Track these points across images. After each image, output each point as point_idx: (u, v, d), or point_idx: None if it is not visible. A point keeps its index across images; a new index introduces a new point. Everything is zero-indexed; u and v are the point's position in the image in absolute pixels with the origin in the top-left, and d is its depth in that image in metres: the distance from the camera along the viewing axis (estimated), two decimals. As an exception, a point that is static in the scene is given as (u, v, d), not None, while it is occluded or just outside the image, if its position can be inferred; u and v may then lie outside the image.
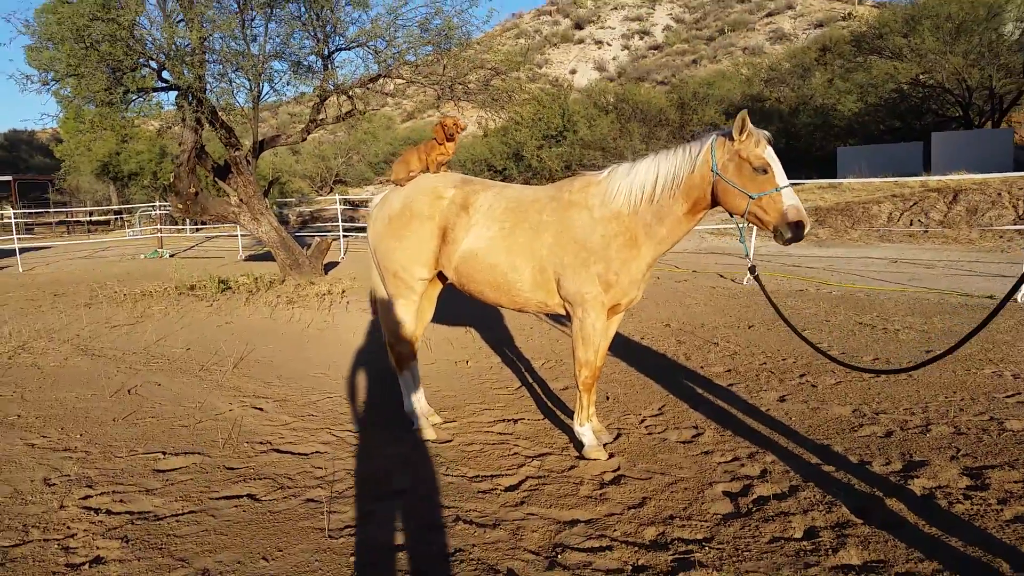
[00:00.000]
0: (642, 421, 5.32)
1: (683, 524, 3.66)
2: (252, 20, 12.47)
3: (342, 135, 43.82)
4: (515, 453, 4.75)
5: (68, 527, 3.78)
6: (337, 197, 23.21)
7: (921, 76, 28.67)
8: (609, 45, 76.73)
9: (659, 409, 5.59)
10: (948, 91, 27.90)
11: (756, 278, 4.55)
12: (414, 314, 5.13)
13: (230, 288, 12.65)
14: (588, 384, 4.62)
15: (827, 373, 6.40)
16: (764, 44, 62.25)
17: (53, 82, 11.88)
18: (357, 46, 13.21)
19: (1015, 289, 3.36)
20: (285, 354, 7.87)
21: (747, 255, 4.80)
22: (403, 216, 4.93)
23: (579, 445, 4.71)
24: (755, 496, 3.96)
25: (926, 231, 17.89)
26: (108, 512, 3.96)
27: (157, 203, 27.90)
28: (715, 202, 4.25)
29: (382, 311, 5.46)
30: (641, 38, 76.29)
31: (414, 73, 13.47)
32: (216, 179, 13.87)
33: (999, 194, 18.14)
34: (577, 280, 4.42)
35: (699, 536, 3.53)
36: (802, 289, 11.20)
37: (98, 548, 3.55)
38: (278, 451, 4.89)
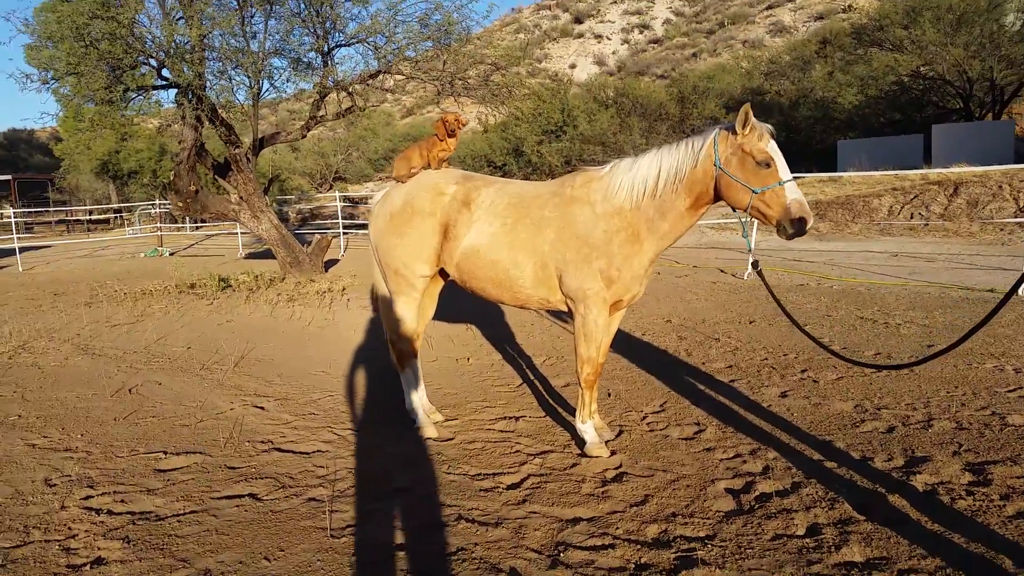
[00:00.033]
0: (644, 418, 5.32)
1: (685, 522, 3.65)
2: (252, 17, 12.44)
3: (341, 132, 43.73)
4: (517, 451, 4.75)
5: (69, 528, 3.78)
6: (337, 194, 23.19)
7: (922, 68, 28.61)
8: (609, 39, 76.59)
9: (661, 406, 5.58)
10: (949, 83, 27.84)
11: (759, 273, 4.53)
12: (416, 311, 5.12)
13: (230, 286, 12.65)
14: (590, 381, 4.61)
15: (828, 368, 6.38)
16: (764, 37, 62.11)
17: (53, 81, 11.86)
18: (357, 42, 13.17)
19: (1017, 286, 3.35)
20: (286, 352, 7.87)
21: (750, 250, 4.78)
22: (405, 213, 4.91)
23: (581, 442, 4.70)
24: (757, 493, 3.95)
25: (927, 224, 17.87)
26: (109, 512, 3.96)
27: (157, 201, 27.88)
28: (718, 197, 4.22)
29: (383, 308, 5.45)
30: (641, 32, 76.15)
31: (414, 69, 13.43)
32: (216, 177, 13.86)
33: (1000, 186, 18.11)
34: (579, 276, 4.41)
35: (701, 534, 3.53)
36: (803, 284, 11.19)
37: (99, 549, 3.55)
38: (279, 450, 4.89)
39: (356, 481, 4.32)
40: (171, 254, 21.65)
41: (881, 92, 30.60)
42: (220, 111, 12.69)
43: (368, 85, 13.78)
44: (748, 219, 4.27)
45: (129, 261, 20.00)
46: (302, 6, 12.47)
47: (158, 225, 25.30)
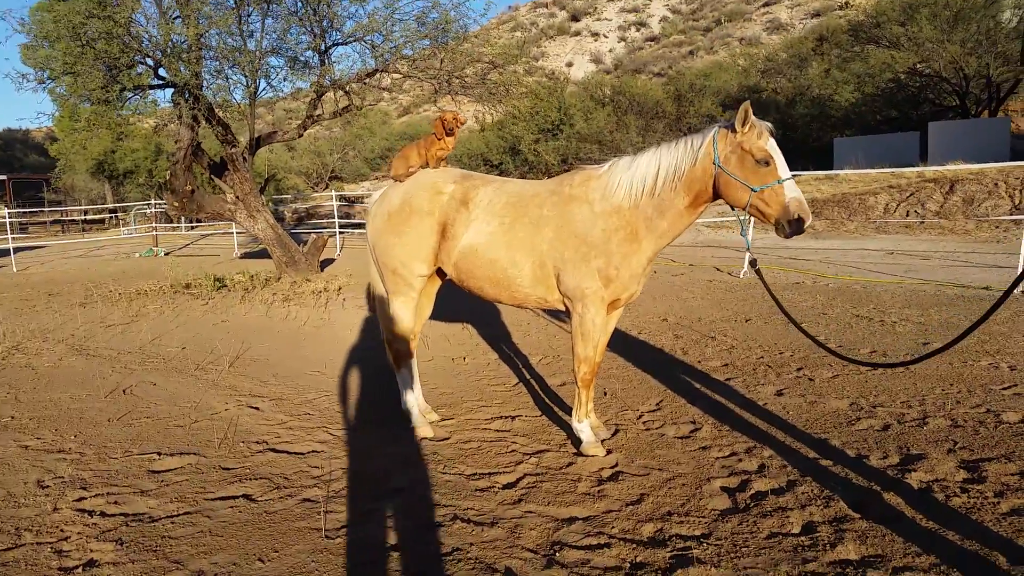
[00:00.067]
0: (640, 417, 5.31)
1: (681, 520, 3.64)
2: (249, 16, 12.41)
3: (338, 131, 43.66)
4: (513, 450, 4.74)
5: (61, 530, 3.76)
6: (333, 193, 23.16)
7: (918, 65, 28.65)
8: (605, 37, 76.63)
9: (657, 404, 5.58)
10: (945, 80, 27.88)
11: (757, 272, 4.52)
12: (413, 311, 5.11)
13: (226, 286, 12.62)
14: (587, 380, 4.60)
15: (824, 366, 6.38)
16: (761, 34, 62.18)
17: (49, 80, 11.83)
18: (354, 41, 13.14)
19: (1015, 286, 3.34)
20: (281, 352, 7.85)
21: (748, 248, 4.78)
22: (402, 212, 4.90)
23: (577, 442, 4.69)
24: (753, 491, 3.95)
25: (922, 222, 17.89)
26: (102, 514, 3.94)
27: (152, 201, 27.83)
28: (716, 195, 4.22)
29: (380, 308, 5.44)
30: (637, 30, 76.20)
31: (411, 67, 13.41)
32: (212, 176, 13.83)
33: (995, 184, 18.14)
34: (577, 275, 4.40)
35: (697, 532, 3.52)
36: (799, 282, 11.19)
37: (92, 551, 3.53)
38: (274, 450, 4.87)
39: (351, 481, 4.31)
40: (166, 254, 21.61)
41: (878, 89, 30.63)
42: (217, 110, 12.66)
43: (365, 84, 13.75)
44: (747, 217, 4.26)
45: (124, 261, 19.96)
46: (299, 5, 12.45)
47: (153, 225, 25.27)
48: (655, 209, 4.32)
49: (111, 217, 37.60)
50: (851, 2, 56.52)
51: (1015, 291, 8.73)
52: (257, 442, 5.04)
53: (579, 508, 3.83)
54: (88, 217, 37.63)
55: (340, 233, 21.17)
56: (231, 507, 4.00)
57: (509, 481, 4.24)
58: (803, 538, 3.40)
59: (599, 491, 4.04)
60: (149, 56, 11.61)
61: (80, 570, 3.35)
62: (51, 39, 11.03)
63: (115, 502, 4.09)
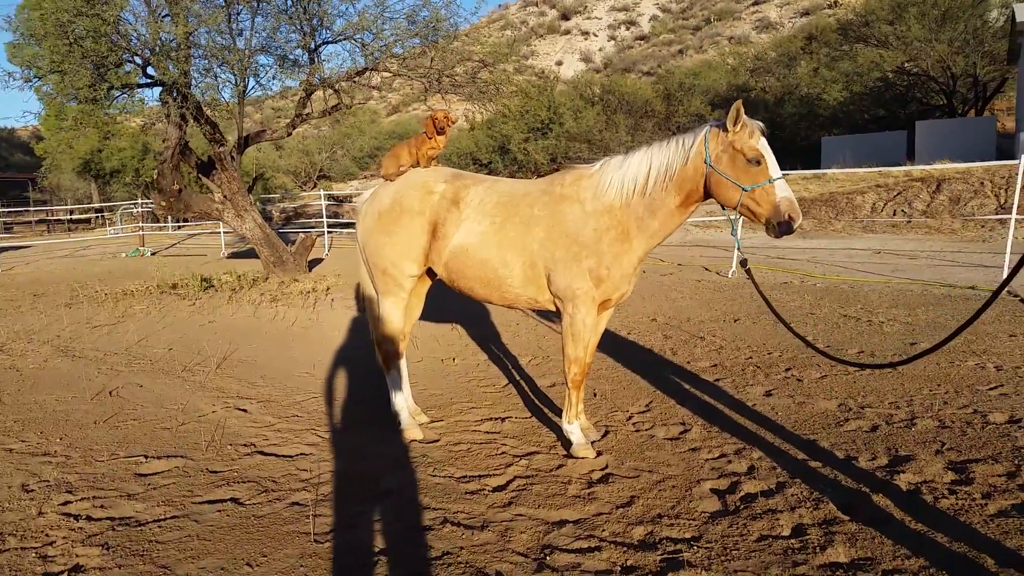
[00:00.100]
0: (629, 418, 5.31)
1: (671, 523, 3.64)
2: (238, 14, 12.36)
3: (326, 130, 43.58)
4: (503, 452, 4.73)
5: (47, 534, 3.72)
6: (321, 193, 23.09)
7: (906, 64, 28.80)
8: (595, 36, 76.71)
9: (646, 405, 5.58)
10: (933, 79, 28.04)
11: (747, 271, 4.52)
12: (403, 311, 5.09)
13: (213, 286, 12.56)
14: (577, 381, 4.59)
15: (812, 367, 6.40)
16: (750, 33, 62.38)
17: (35, 79, 11.74)
18: (344, 39, 13.11)
19: (1003, 287, 3.35)
20: (269, 353, 7.81)
21: (738, 248, 4.78)
22: (393, 211, 4.87)
23: (567, 443, 4.68)
24: (743, 493, 3.95)
25: (909, 221, 17.98)
26: (88, 518, 3.90)
27: (139, 201, 27.66)
28: (707, 195, 4.21)
29: (370, 308, 5.42)
30: (627, 28, 76.33)
31: (401, 66, 13.37)
32: (200, 176, 13.75)
33: (981, 183, 18.25)
34: (568, 275, 4.39)
35: (687, 535, 3.52)
36: (786, 281, 11.23)
37: (77, 556, 3.49)
38: (262, 453, 4.84)
39: (340, 484, 4.29)
40: (153, 254, 21.49)
41: (866, 88, 30.78)
42: (205, 109, 12.59)
43: (355, 82, 13.71)
44: (737, 217, 4.26)
45: (110, 261, 19.84)
46: (289, 3, 12.41)
47: (140, 225, 25.12)
48: (646, 208, 4.32)
49: (97, 217, 37.38)
50: (840, 1, 56.77)
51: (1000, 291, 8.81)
52: (245, 445, 5.01)
53: (569, 511, 3.82)
54: (74, 217, 37.40)
55: (328, 233, 21.10)
56: (219, 511, 3.96)
57: (499, 484, 4.22)
58: (793, 540, 3.40)
59: (589, 493, 4.03)
60: (137, 54, 11.54)
61: (66, 575, 3.32)
62: (38, 37, 10.94)
63: (101, 506, 4.05)
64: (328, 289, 12.06)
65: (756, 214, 4.06)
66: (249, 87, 13.20)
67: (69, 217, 37.55)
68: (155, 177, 12.81)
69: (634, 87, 34.73)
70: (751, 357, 6.87)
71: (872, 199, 19.64)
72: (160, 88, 12.16)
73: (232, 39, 12.26)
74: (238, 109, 13.29)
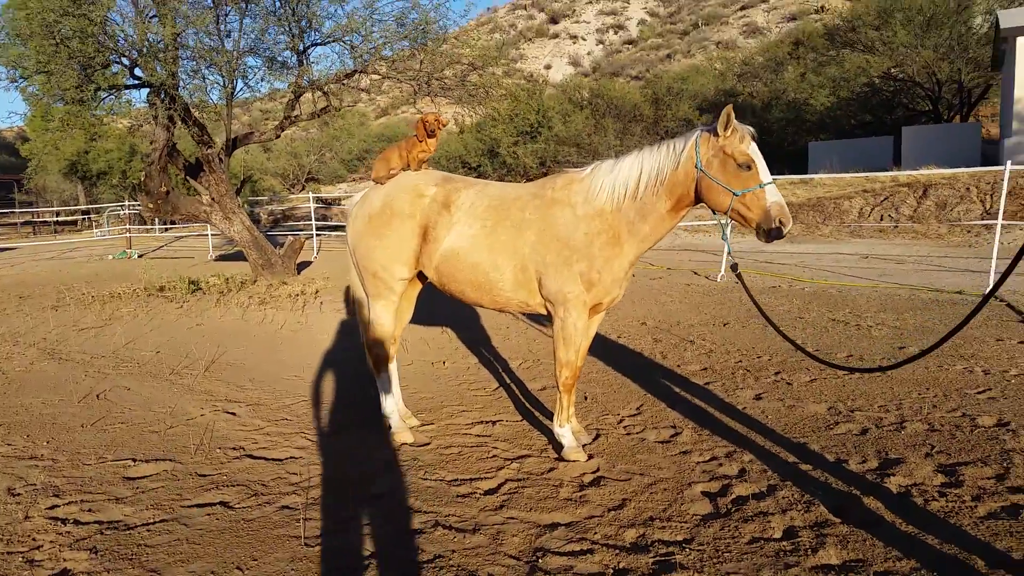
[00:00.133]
0: (620, 421, 5.31)
1: (663, 526, 3.64)
2: (226, 15, 12.33)
3: (315, 132, 43.48)
4: (494, 456, 4.71)
5: (33, 538, 3.68)
6: (310, 195, 22.99)
7: (892, 70, 29.00)
8: (584, 40, 76.92)
9: (637, 409, 5.58)
10: (918, 84, 28.25)
11: (738, 276, 4.53)
12: (393, 315, 5.07)
13: (200, 289, 12.49)
14: (569, 385, 4.59)
15: (802, 371, 6.42)
16: (737, 38, 62.69)
17: (21, 79, 11.65)
18: (333, 41, 13.10)
19: (992, 292, 3.37)
20: (258, 356, 7.77)
21: (729, 253, 4.79)
22: (384, 215, 4.86)
23: (558, 447, 4.67)
24: (734, 496, 3.95)
25: (896, 226, 18.10)
26: (76, 522, 3.87)
27: (126, 203, 27.48)
28: (698, 199, 4.22)
29: (360, 311, 5.40)
30: (615, 32, 76.58)
31: (390, 68, 13.37)
32: (187, 178, 13.68)
33: (967, 188, 18.38)
34: (559, 279, 4.38)
35: (679, 537, 3.52)
36: (775, 286, 11.27)
37: (65, 560, 3.46)
38: (251, 457, 4.81)
39: (330, 488, 4.27)
40: (140, 256, 21.36)
41: (852, 94, 30.98)
42: (193, 111, 12.54)
43: (344, 85, 13.69)
44: (727, 221, 4.27)
45: (97, 263, 19.70)
46: (277, 5, 12.38)
47: (127, 227, 24.95)
48: (637, 213, 4.32)
49: (84, 219, 37.11)
50: (827, 6, 57.16)
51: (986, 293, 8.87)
52: (234, 448, 4.98)
53: (561, 514, 3.82)
54: (60, 219, 37.13)
55: (317, 235, 21.02)
56: (208, 514, 3.94)
57: (491, 487, 4.21)
58: (785, 543, 3.40)
59: (581, 496, 4.02)
60: (125, 55, 11.48)
61: (53, 581, 3.29)
62: (23, 37, 10.86)
63: (89, 509, 4.02)
64: (317, 292, 12.01)
65: (747, 219, 4.07)
66: (237, 89, 13.17)
67: (55, 219, 37.29)
68: (142, 179, 12.75)
69: (622, 91, 34.82)
70: (741, 361, 6.88)
71: (859, 204, 19.75)
72: (148, 89, 12.10)
73: (220, 40, 12.24)
74: (226, 111, 13.25)
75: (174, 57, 11.50)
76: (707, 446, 4.73)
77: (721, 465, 4.39)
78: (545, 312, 4.61)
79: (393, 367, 5.28)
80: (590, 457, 4.58)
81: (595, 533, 3.59)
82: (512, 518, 3.79)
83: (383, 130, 52.56)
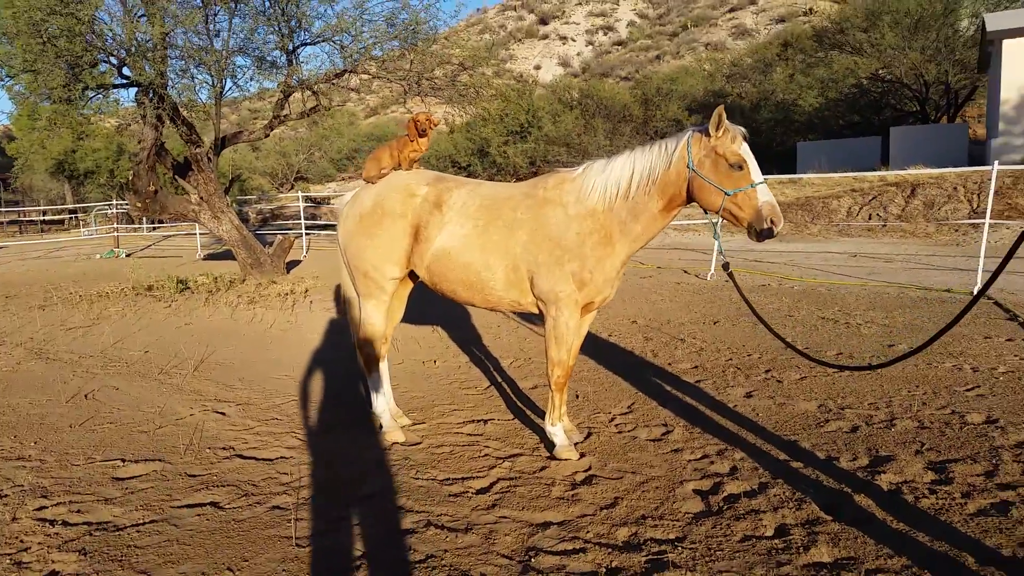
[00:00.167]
0: (612, 419, 5.31)
1: (655, 524, 3.64)
2: (215, 15, 12.26)
3: (303, 131, 43.34)
4: (486, 455, 4.71)
5: (21, 540, 3.65)
6: (299, 194, 22.90)
7: (880, 71, 29.18)
8: (573, 41, 76.98)
9: (628, 407, 5.58)
10: (906, 86, 28.43)
11: (730, 275, 4.54)
12: (384, 314, 5.06)
13: (189, 288, 12.42)
14: (560, 384, 4.59)
15: (792, 368, 6.44)
16: (726, 40, 62.88)
17: (7, 78, 11.56)
18: (322, 41, 13.06)
19: (983, 292, 3.39)
20: (247, 356, 7.73)
21: (720, 252, 4.80)
22: (375, 214, 4.84)
23: (550, 445, 4.67)
24: (725, 494, 3.96)
25: (884, 225, 18.19)
26: (64, 523, 3.83)
27: (114, 202, 27.31)
28: (690, 199, 4.23)
29: (351, 311, 5.38)
30: (605, 34, 76.68)
31: (380, 68, 13.33)
32: (176, 177, 13.61)
33: (955, 188, 18.49)
34: (551, 278, 4.38)
35: (672, 536, 3.52)
36: (765, 284, 11.30)
37: (54, 562, 3.43)
38: (241, 457, 4.79)
39: (321, 488, 4.24)
40: (128, 255, 21.22)
41: (841, 95, 31.16)
42: (182, 110, 12.47)
43: (333, 84, 13.65)
44: (720, 222, 4.29)
45: (85, 263, 19.56)
46: (267, 4, 12.33)
47: (115, 226, 24.79)
48: (629, 212, 4.32)
49: (71, 218, 36.85)
50: (815, 8, 57.41)
51: (973, 293, 8.91)
52: (224, 448, 4.95)
53: (553, 513, 3.81)
54: (47, 218, 36.87)
55: (306, 234, 20.95)
56: (198, 515, 3.91)
57: (483, 486, 4.20)
58: (777, 541, 3.41)
59: (573, 495, 4.02)
60: (113, 55, 11.41)
61: (41, 582, 3.26)
62: (10, 35, 10.78)
63: (78, 511, 3.98)
64: (306, 291, 11.97)
65: (738, 218, 4.08)
66: (226, 88, 13.11)
67: (42, 218, 37.03)
68: (131, 178, 12.68)
69: (612, 92, 34.86)
70: (731, 359, 6.90)
71: (848, 203, 19.84)
72: (136, 89, 12.02)
73: (209, 40, 12.19)
74: (215, 110, 13.19)
75: (163, 56, 11.44)
76: (698, 444, 4.73)
77: (712, 463, 4.40)
78: (537, 311, 4.61)
79: (384, 366, 5.27)
80: (582, 455, 4.58)
81: (587, 532, 3.59)
82: (504, 517, 3.78)
83: (372, 129, 52.45)
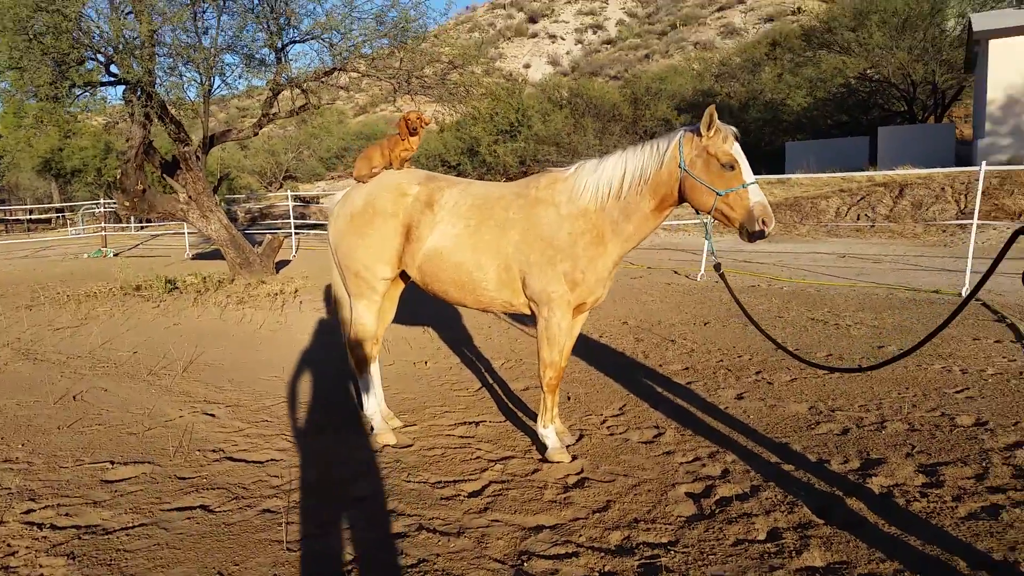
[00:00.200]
0: (603, 422, 5.31)
1: (648, 527, 3.64)
2: (204, 12, 12.17)
3: (292, 130, 43.14)
4: (477, 457, 4.69)
5: (9, 544, 3.61)
6: (288, 193, 22.79)
7: (868, 71, 29.31)
8: (563, 39, 76.99)
9: (620, 409, 5.58)
10: (894, 85, 28.57)
11: (721, 276, 4.55)
12: (376, 315, 5.03)
13: (177, 288, 12.34)
14: (552, 385, 4.58)
15: (782, 370, 6.46)
16: (715, 39, 63.02)
17: (-7, 75, 11.45)
18: (311, 39, 12.99)
19: (973, 293, 3.40)
20: (236, 356, 7.69)
21: (712, 253, 4.80)
22: (366, 213, 4.82)
23: (542, 448, 4.66)
24: (717, 497, 3.96)
25: (873, 226, 18.27)
26: (53, 527, 3.80)
27: (101, 201, 27.10)
28: (682, 199, 4.23)
29: (342, 311, 5.36)
30: (594, 32, 76.72)
31: (369, 66, 13.29)
32: (164, 176, 13.52)
33: (942, 188, 18.59)
34: (543, 278, 4.37)
35: (664, 540, 3.52)
36: (754, 285, 11.33)
37: (42, 566, 3.40)
38: (232, 459, 4.76)
39: (312, 491, 4.22)
40: (116, 255, 21.08)
41: (829, 94, 31.27)
42: (170, 108, 12.38)
43: (322, 82, 13.59)
44: (711, 222, 4.29)
45: (72, 262, 19.41)
46: (256, 1, 12.25)
47: (102, 225, 24.61)
48: (621, 212, 4.32)
49: (58, 217, 36.56)
50: (804, 7, 57.63)
51: (961, 295, 8.96)
52: (213, 450, 4.92)
53: (546, 516, 3.80)
54: (34, 217, 36.57)
55: (296, 234, 20.87)
56: (188, 518, 3.88)
57: (475, 489, 4.19)
58: (769, 545, 3.41)
59: (565, 498, 4.01)
60: (100, 52, 11.31)
61: (30, 588, 3.22)
62: (-5, 32, 10.66)
63: (66, 514, 3.95)
64: (296, 291, 11.92)
65: (730, 218, 4.08)
66: (215, 86, 13.03)
67: (28, 217, 36.71)
68: (118, 177, 12.58)
69: (601, 91, 34.83)
70: (722, 360, 6.91)
71: (836, 204, 19.92)
72: (123, 86, 11.93)
73: (197, 37, 12.09)
74: (203, 108, 13.10)
75: (150, 54, 11.34)
76: (690, 446, 4.73)
77: (704, 466, 4.40)
78: (529, 312, 4.60)
79: (375, 367, 5.25)
80: (574, 458, 4.57)
81: (580, 536, 3.58)
82: (497, 521, 3.77)
83: (362, 128, 52.21)
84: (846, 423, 5.02)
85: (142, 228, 30.71)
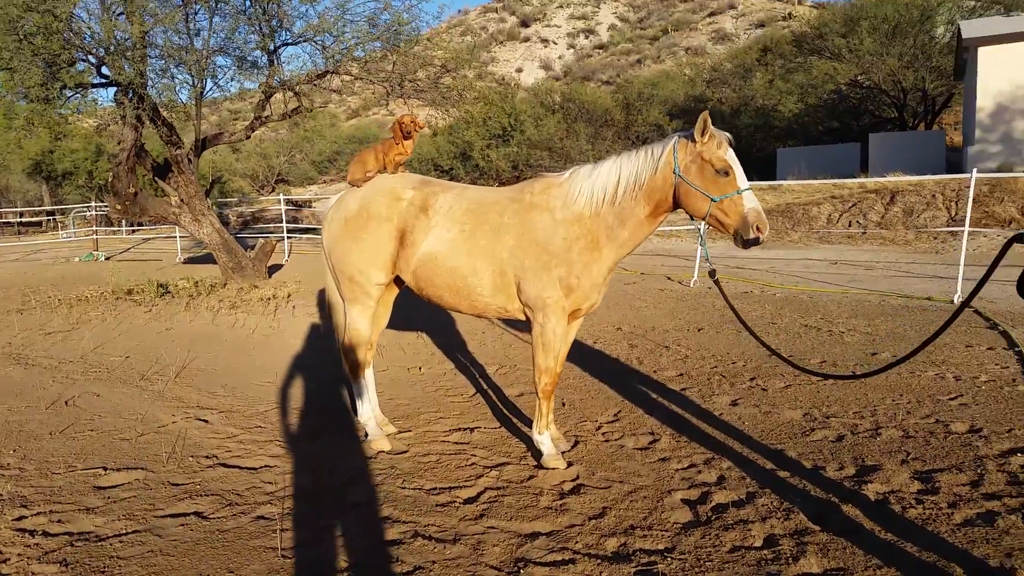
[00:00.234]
0: (599, 428, 5.30)
1: (644, 534, 3.63)
2: (196, 14, 12.15)
3: (284, 133, 43.12)
4: (473, 463, 4.68)
5: (0, 551, 3.57)
6: (281, 197, 22.74)
7: (859, 77, 29.50)
8: (555, 44, 77.18)
9: (615, 415, 5.58)
10: (884, 92, 28.76)
11: (716, 282, 4.55)
12: (370, 320, 5.02)
13: (169, 292, 12.29)
14: (548, 391, 4.57)
15: (776, 376, 6.47)
16: (706, 44, 63.30)
17: (-17, 76, 11.38)
18: (304, 41, 12.96)
19: (968, 300, 3.41)
20: (229, 362, 7.65)
21: (707, 259, 4.80)
22: (360, 218, 4.81)
23: (538, 454, 4.65)
24: (713, 504, 3.96)
25: (864, 232, 18.36)
26: (45, 534, 3.76)
27: (92, 204, 26.99)
28: (676, 205, 4.23)
29: (335, 316, 5.34)
30: (586, 37, 76.95)
31: (362, 69, 13.28)
32: (156, 179, 13.47)
33: (933, 195, 18.71)
34: (538, 284, 4.36)
35: (660, 546, 3.51)
36: (747, 291, 11.36)
37: (34, 573, 3.36)
38: (225, 465, 4.73)
39: (306, 497, 4.20)
40: (107, 258, 20.98)
41: (820, 100, 31.47)
42: (162, 110, 12.34)
43: (315, 85, 13.56)
44: (706, 228, 4.29)
45: (63, 266, 19.32)
46: (248, 3, 12.21)
47: (93, 228, 24.50)
48: (616, 218, 4.32)
49: (49, 220, 36.36)
50: (795, 13, 57.94)
51: (954, 301, 9.00)
52: (207, 456, 4.89)
53: (542, 523, 3.79)
54: (24, 220, 36.37)
55: (288, 238, 20.82)
56: (182, 525, 3.86)
57: (470, 495, 4.18)
58: (766, 551, 3.41)
59: (561, 505, 4.00)
60: (91, 53, 11.26)
61: (22, 596, 3.19)
62: (-16, 33, 10.60)
63: (59, 521, 3.91)
64: (289, 296, 11.88)
65: (724, 225, 4.08)
66: (207, 89, 12.99)
67: (19, 220, 36.53)
68: (110, 180, 12.52)
69: (594, 96, 34.92)
70: (716, 366, 6.92)
71: (828, 210, 20.02)
72: (115, 88, 11.88)
73: (189, 39, 12.07)
74: (195, 111, 13.06)
75: (142, 55, 11.29)
76: (685, 453, 4.73)
77: (700, 472, 4.40)
78: (524, 318, 4.59)
79: (369, 373, 5.23)
80: (569, 464, 4.57)
81: (576, 542, 3.57)
82: (492, 527, 3.75)
83: (354, 131, 52.28)
84: (841, 430, 5.03)
85: (134, 232, 30.59)
